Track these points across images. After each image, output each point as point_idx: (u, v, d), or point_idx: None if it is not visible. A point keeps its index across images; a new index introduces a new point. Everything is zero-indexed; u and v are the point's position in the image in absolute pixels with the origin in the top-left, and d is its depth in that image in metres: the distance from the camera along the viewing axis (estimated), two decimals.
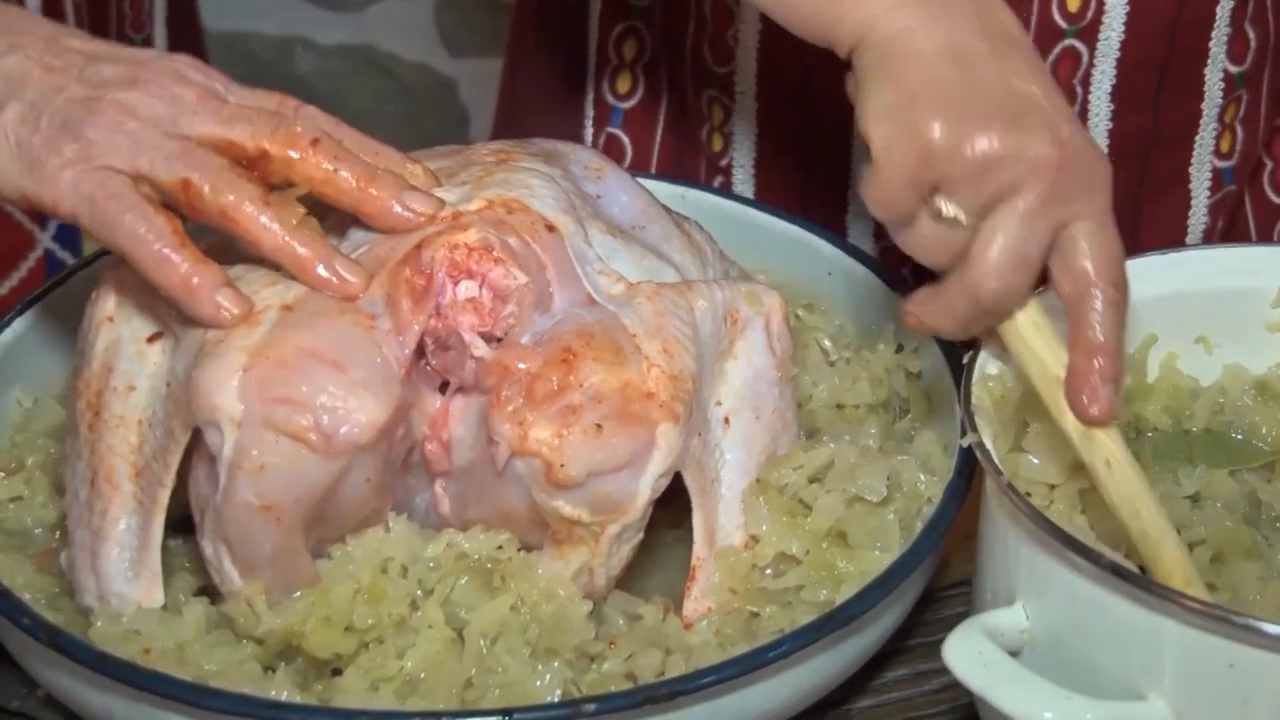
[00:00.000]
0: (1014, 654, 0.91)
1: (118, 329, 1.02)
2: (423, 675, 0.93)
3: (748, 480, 1.01)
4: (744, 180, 1.35)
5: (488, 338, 0.97)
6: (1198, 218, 1.35)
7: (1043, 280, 0.99)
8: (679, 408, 0.96)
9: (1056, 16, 1.24)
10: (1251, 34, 1.30)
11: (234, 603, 0.95)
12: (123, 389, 1.00)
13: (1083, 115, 1.27)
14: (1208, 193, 1.35)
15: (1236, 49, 1.30)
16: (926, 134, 0.94)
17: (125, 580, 0.98)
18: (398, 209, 0.99)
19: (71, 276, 1.14)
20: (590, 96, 1.39)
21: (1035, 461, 0.98)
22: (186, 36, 2.10)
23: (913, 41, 0.96)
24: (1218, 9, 1.27)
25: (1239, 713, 0.86)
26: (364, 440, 0.93)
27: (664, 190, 1.21)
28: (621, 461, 0.94)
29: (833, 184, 1.35)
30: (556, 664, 0.94)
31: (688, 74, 1.34)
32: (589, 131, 1.39)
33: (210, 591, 0.98)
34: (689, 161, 1.38)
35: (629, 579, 1.02)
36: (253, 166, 0.98)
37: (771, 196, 1.33)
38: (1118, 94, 1.27)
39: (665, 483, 0.96)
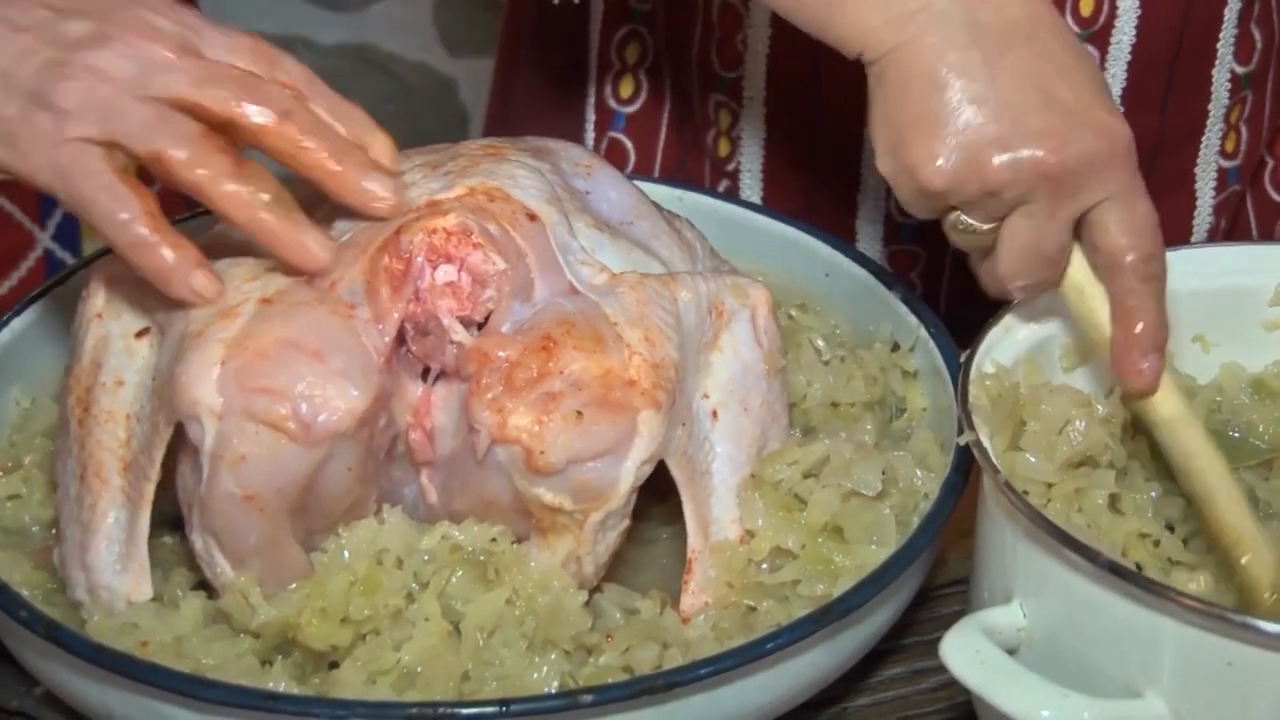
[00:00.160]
0: (1011, 652, 0.91)
1: (107, 325, 1.02)
2: (420, 668, 0.93)
3: (740, 473, 1.01)
4: (751, 185, 1.35)
5: (467, 323, 0.98)
6: (1202, 218, 1.35)
7: None
8: (661, 395, 0.96)
9: (1069, 21, 1.24)
10: (1258, 35, 1.30)
11: (230, 596, 0.95)
12: (111, 384, 1.01)
13: None
14: (1213, 193, 1.35)
15: (1243, 50, 1.30)
16: (921, 176, 0.96)
17: (114, 574, 0.98)
18: (360, 188, 0.99)
19: (71, 276, 1.15)
20: (592, 100, 1.39)
21: (1032, 460, 0.98)
22: None
23: (902, 65, 0.97)
24: (1225, 10, 1.27)
25: (1237, 711, 0.86)
26: (343, 428, 0.93)
27: (660, 191, 1.21)
28: (602, 448, 0.94)
29: (841, 188, 1.35)
30: (553, 656, 0.94)
31: (693, 78, 1.34)
32: (590, 135, 1.39)
33: (208, 587, 0.98)
34: (693, 166, 1.38)
35: (625, 574, 1.03)
36: (223, 130, 0.97)
37: (779, 201, 1.34)
38: (1127, 97, 1.27)
39: (648, 470, 0.96)
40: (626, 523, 0.98)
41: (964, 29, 0.96)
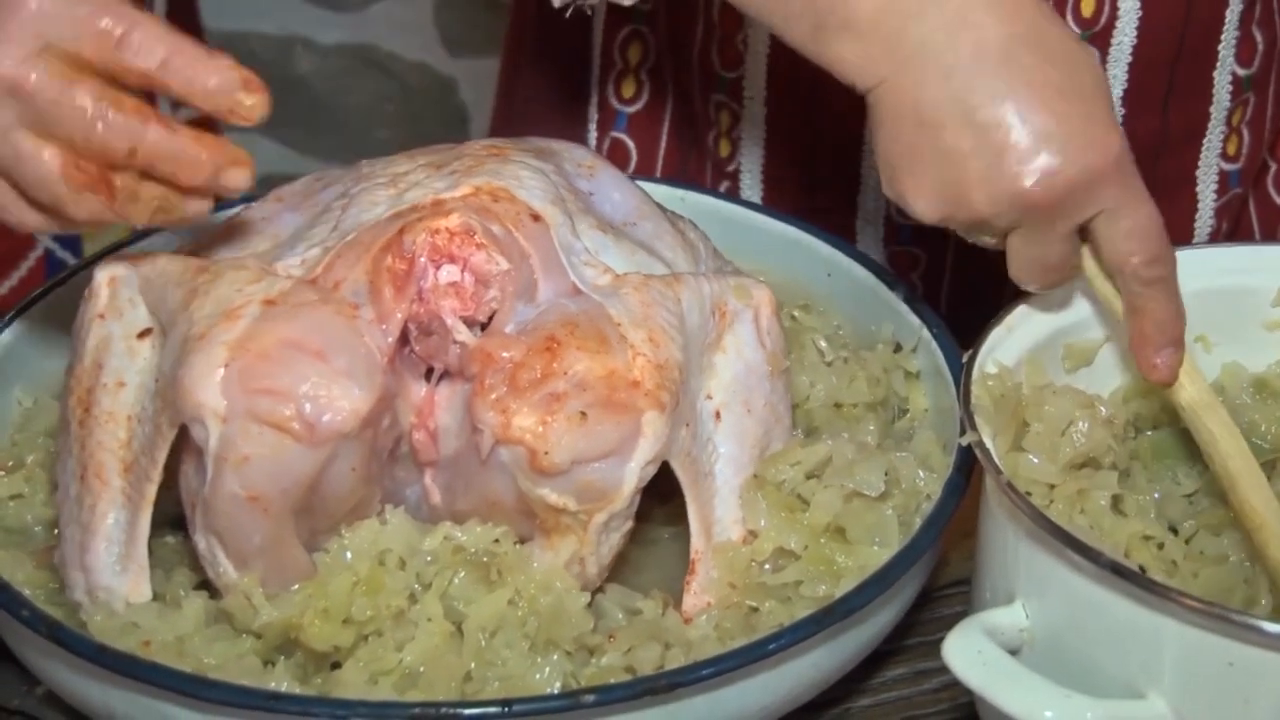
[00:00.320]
0: (1013, 653, 0.91)
1: (109, 326, 1.02)
2: (422, 668, 0.93)
3: (743, 474, 1.01)
4: (751, 185, 1.35)
5: (470, 323, 0.98)
6: (1204, 221, 1.35)
7: None
8: (665, 396, 0.96)
9: (1070, 22, 1.24)
10: (1259, 37, 1.30)
11: (232, 597, 0.95)
12: (113, 385, 1.01)
13: None
14: (1214, 196, 1.35)
15: (1244, 52, 1.30)
16: (914, 209, 0.98)
17: (113, 574, 0.98)
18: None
19: (72, 277, 1.14)
20: (594, 100, 1.39)
21: (1035, 461, 0.99)
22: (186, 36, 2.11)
23: (885, 102, 0.97)
24: (1226, 12, 1.27)
25: (1239, 711, 0.86)
26: (347, 428, 0.93)
27: (663, 192, 1.21)
28: (606, 449, 0.95)
29: (842, 189, 1.35)
30: (556, 656, 0.94)
31: (695, 79, 1.34)
32: (593, 135, 1.39)
33: (210, 586, 0.98)
34: (694, 166, 1.38)
35: (628, 574, 1.03)
36: None
37: (779, 202, 1.34)
38: (1128, 98, 1.27)
39: (652, 471, 0.97)
40: (630, 523, 0.98)
41: (939, 65, 0.95)
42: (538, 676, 0.94)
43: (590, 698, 0.89)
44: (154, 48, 0.94)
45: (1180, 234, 1.34)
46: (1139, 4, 1.24)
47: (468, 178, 1.03)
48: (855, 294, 1.18)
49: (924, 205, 0.97)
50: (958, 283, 1.37)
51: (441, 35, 2.67)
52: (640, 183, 1.16)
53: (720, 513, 1.01)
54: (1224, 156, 1.34)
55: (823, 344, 1.15)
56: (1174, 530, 1.00)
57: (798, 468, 1.02)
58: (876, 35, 0.96)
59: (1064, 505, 0.98)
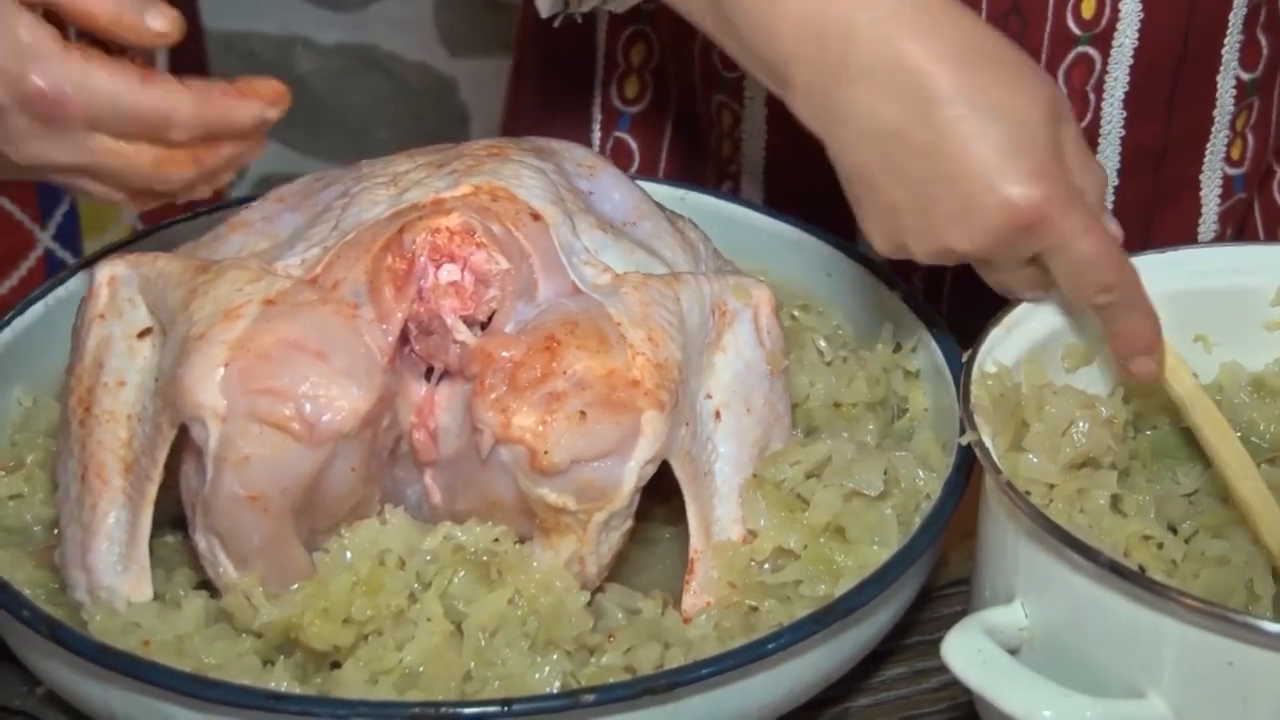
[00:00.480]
0: (1013, 652, 0.91)
1: (109, 325, 1.02)
2: (422, 668, 0.93)
3: (742, 473, 1.01)
4: (752, 186, 1.35)
5: (470, 322, 0.98)
6: (1208, 225, 1.35)
7: None
8: (664, 395, 0.96)
9: (1070, 23, 1.24)
10: (1264, 41, 1.30)
11: (232, 596, 0.95)
12: (113, 384, 1.01)
13: (1095, 123, 1.27)
14: (1218, 200, 1.34)
15: (1249, 56, 1.30)
16: (876, 247, 1.01)
17: (114, 574, 0.98)
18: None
19: (72, 276, 1.14)
20: (598, 100, 1.39)
21: (1034, 460, 0.98)
22: (186, 37, 2.11)
23: (831, 155, 1.01)
24: (1230, 16, 1.27)
25: (1239, 711, 0.86)
26: (347, 428, 0.93)
27: (663, 192, 1.21)
28: (606, 448, 0.95)
29: (842, 191, 1.35)
30: (555, 656, 0.94)
31: (697, 79, 1.34)
32: (597, 135, 1.39)
33: (210, 586, 0.98)
34: (697, 166, 1.38)
35: (627, 574, 1.03)
36: None
37: (781, 202, 1.34)
38: (1130, 101, 1.27)
39: (652, 470, 0.97)
40: (630, 523, 0.98)
41: (868, 128, 0.98)
42: (537, 676, 0.94)
43: (590, 697, 0.89)
44: None
45: (1185, 238, 1.34)
46: (1140, 6, 1.24)
47: (468, 177, 1.03)
48: (855, 294, 1.18)
49: (878, 244, 1.01)
50: (960, 285, 1.37)
51: (441, 35, 2.67)
52: (640, 182, 1.16)
53: (720, 512, 1.01)
54: (1228, 161, 1.33)
55: (822, 343, 1.15)
56: (1174, 530, 1.00)
57: (797, 467, 1.02)
58: (811, 99, 1.00)
59: (1063, 505, 0.98)
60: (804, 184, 1.34)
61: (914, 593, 1.03)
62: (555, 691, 0.93)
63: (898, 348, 1.14)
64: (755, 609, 0.99)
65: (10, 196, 1.90)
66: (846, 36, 0.98)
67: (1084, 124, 1.27)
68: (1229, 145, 1.33)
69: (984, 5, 1.22)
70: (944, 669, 0.89)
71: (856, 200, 1.01)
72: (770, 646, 0.92)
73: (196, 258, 1.04)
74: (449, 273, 0.98)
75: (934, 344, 1.11)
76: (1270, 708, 0.85)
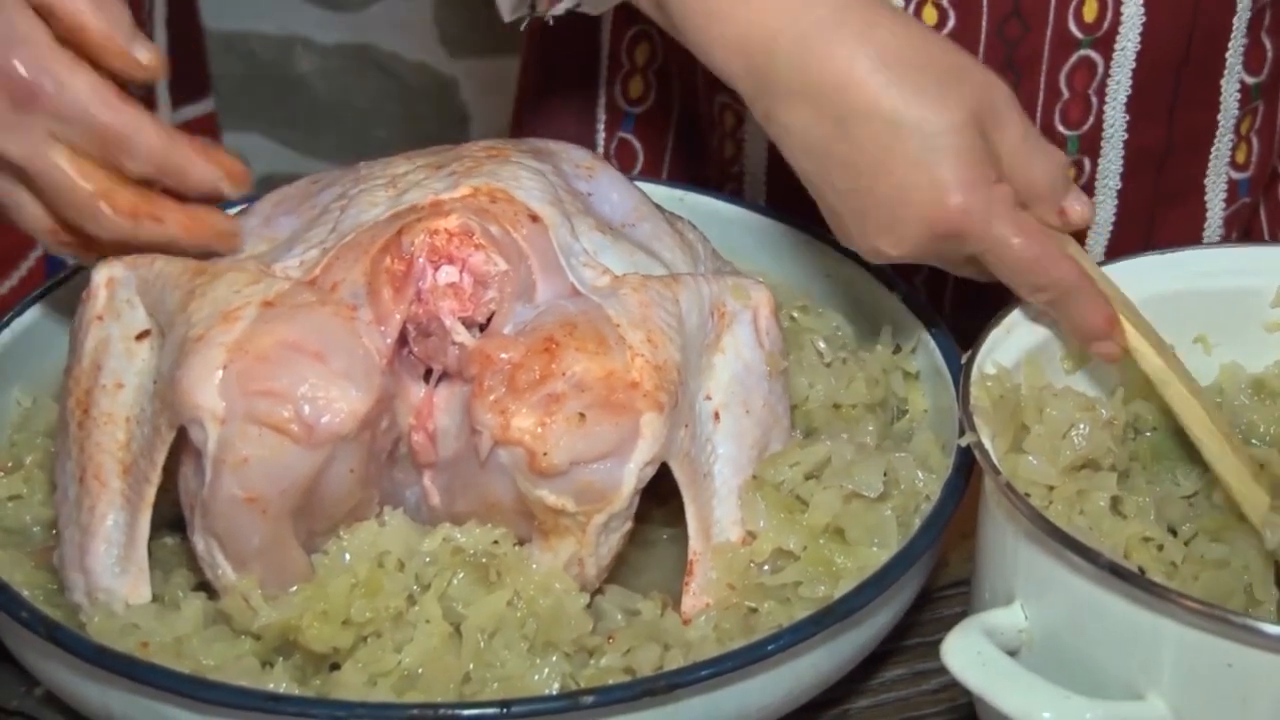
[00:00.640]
0: (1012, 653, 0.91)
1: (107, 327, 1.02)
2: (421, 670, 0.93)
3: (741, 475, 1.01)
4: (755, 187, 1.35)
5: (469, 324, 0.98)
6: (1213, 229, 1.34)
7: None
8: (664, 397, 0.96)
9: (1072, 26, 1.24)
10: (1269, 45, 1.30)
11: (231, 598, 0.95)
12: (111, 386, 1.01)
13: (1097, 127, 1.27)
14: (1223, 204, 1.34)
15: (1253, 60, 1.29)
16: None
17: (113, 576, 0.98)
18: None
19: (72, 277, 1.14)
20: (602, 101, 1.39)
21: (1034, 462, 0.98)
22: (186, 36, 2.11)
23: (785, 157, 1.04)
24: (1234, 20, 1.26)
25: (1238, 712, 0.86)
26: (346, 430, 0.93)
27: (662, 193, 1.21)
28: (605, 450, 0.95)
29: None
30: (555, 658, 0.94)
31: (700, 79, 1.34)
32: (601, 136, 1.39)
33: (209, 588, 0.98)
34: (701, 167, 1.38)
35: (626, 575, 1.03)
36: None
37: (783, 204, 1.33)
38: (1133, 105, 1.27)
39: (651, 472, 0.97)
40: (629, 524, 0.98)
41: (802, 144, 1.02)
42: (536, 678, 0.93)
43: (589, 699, 0.89)
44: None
45: (1188, 243, 1.34)
46: (1143, 10, 1.23)
47: (466, 178, 1.03)
48: (854, 295, 1.18)
49: (841, 242, 1.07)
50: (962, 287, 1.37)
51: (441, 35, 2.67)
52: (639, 183, 1.16)
53: (719, 514, 1.01)
54: (1233, 165, 1.33)
55: (822, 345, 1.15)
56: (1173, 532, 1.00)
57: (796, 468, 1.02)
58: (757, 112, 1.04)
59: (1063, 506, 0.98)
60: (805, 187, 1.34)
61: (913, 594, 1.02)
62: (554, 693, 0.93)
63: (897, 349, 1.14)
64: (755, 610, 0.99)
65: None
66: (771, 57, 1.01)
67: (1086, 127, 1.27)
68: (1233, 149, 1.32)
69: (984, 9, 1.22)
70: (943, 670, 0.89)
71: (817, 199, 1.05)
72: (770, 648, 0.92)
73: (194, 259, 1.04)
74: (447, 274, 0.98)
75: (933, 345, 1.11)
76: (1269, 709, 0.85)
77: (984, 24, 1.22)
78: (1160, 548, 0.97)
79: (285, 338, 0.94)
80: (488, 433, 0.95)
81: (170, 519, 1.02)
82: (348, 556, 0.96)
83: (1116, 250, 1.31)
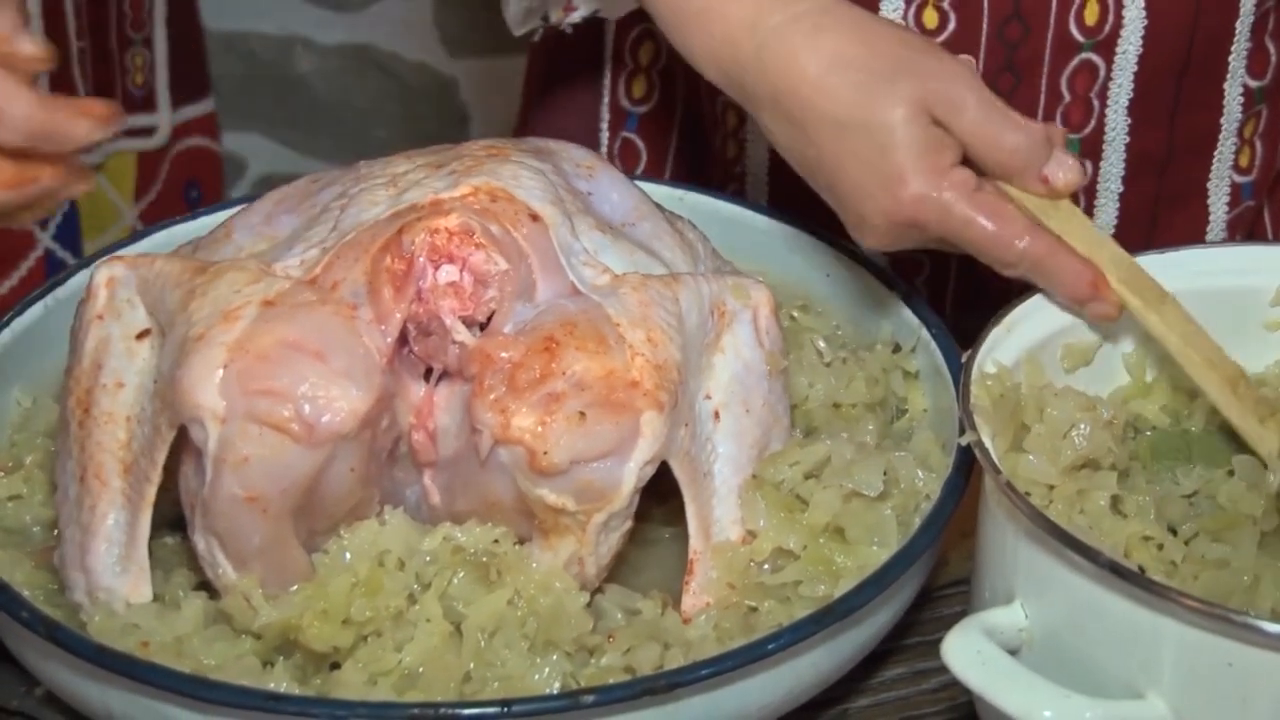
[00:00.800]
0: (1012, 652, 0.91)
1: (107, 326, 1.02)
2: (421, 669, 0.93)
3: (741, 474, 1.01)
4: (757, 187, 1.35)
5: (469, 323, 0.98)
6: (1215, 233, 1.34)
7: None
8: (664, 396, 0.96)
9: (1073, 29, 1.24)
10: (1272, 48, 1.30)
11: (231, 597, 0.95)
12: (112, 386, 1.01)
13: (1099, 130, 1.27)
14: (1226, 208, 1.34)
15: (1257, 63, 1.29)
16: None
17: (113, 575, 0.98)
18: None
19: (71, 276, 1.14)
20: (606, 100, 1.39)
21: (1034, 461, 0.98)
22: (186, 36, 2.11)
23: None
24: (1236, 23, 1.26)
25: (1238, 712, 0.86)
26: (346, 429, 0.93)
27: (662, 192, 1.21)
28: (605, 449, 0.95)
29: None
30: (555, 657, 0.94)
31: (703, 80, 1.34)
32: (605, 135, 1.39)
33: (209, 587, 0.98)
34: (704, 167, 1.38)
35: (627, 575, 1.03)
36: None
37: (785, 204, 1.33)
38: (1134, 108, 1.27)
39: (651, 471, 0.97)
40: (629, 524, 0.98)
41: (775, 145, 1.07)
42: (537, 677, 0.93)
43: (589, 698, 0.89)
44: None
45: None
46: (1144, 13, 1.23)
47: (467, 178, 1.03)
48: (854, 294, 1.18)
49: None
50: (962, 287, 1.37)
51: (441, 35, 2.67)
52: (639, 183, 1.16)
53: (719, 513, 1.01)
54: (1236, 168, 1.33)
55: (822, 344, 1.15)
56: (1173, 531, 1.00)
57: (796, 468, 1.02)
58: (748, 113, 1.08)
59: (1063, 506, 0.98)
60: (807, 187, 1.34)
61: (913, 593, 1.02)
62: (555, 692, 0.93)
63: (897, 348, 1.14)
64: (755, 609, 0.99)
65: None
66: (740, 66, 1.06)
67: (1087, 131, 1.27)
68: (1237, 153, 1.32)
69: (985, 12, 1.22)
70: (943, 669, 0.89)
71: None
72: (770, 647, 0.92)
73: (195, 259, 1.04)
74: (448, 273, 0.98)
75: (933, 344, 1.10)
76: (1269, 708, 0.85)
77: (984, 26, 1.22)
78: (1160, 547, 0.97)
79: (286, 337, 0.94)
80: (488, 432, 0.95)
81: (171, 518, 1.02)
82: (348, 556, 0.96)
83: None
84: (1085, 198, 1.29)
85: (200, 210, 1.21)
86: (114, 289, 1.02)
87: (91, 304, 1.03)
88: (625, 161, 1.39)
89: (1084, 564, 0.88)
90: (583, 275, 1.01)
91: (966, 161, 1.04)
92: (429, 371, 0.99)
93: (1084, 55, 1.25)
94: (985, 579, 0.98)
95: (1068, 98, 1.26)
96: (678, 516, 1.02)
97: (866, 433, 1.08)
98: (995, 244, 1.03)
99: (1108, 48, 1.24)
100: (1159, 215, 1.32)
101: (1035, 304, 1.05)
